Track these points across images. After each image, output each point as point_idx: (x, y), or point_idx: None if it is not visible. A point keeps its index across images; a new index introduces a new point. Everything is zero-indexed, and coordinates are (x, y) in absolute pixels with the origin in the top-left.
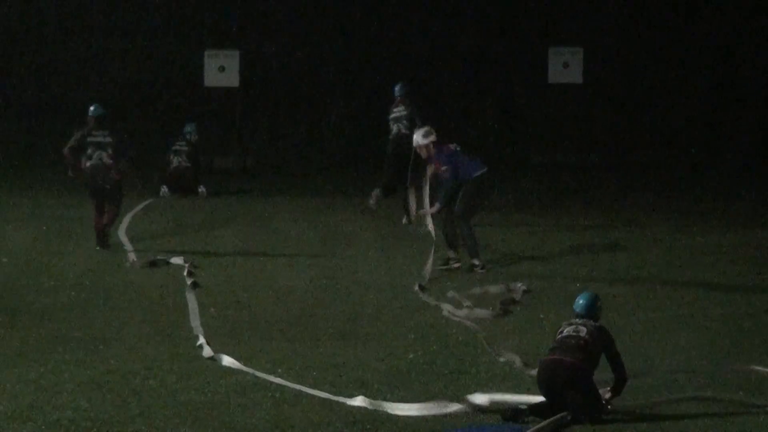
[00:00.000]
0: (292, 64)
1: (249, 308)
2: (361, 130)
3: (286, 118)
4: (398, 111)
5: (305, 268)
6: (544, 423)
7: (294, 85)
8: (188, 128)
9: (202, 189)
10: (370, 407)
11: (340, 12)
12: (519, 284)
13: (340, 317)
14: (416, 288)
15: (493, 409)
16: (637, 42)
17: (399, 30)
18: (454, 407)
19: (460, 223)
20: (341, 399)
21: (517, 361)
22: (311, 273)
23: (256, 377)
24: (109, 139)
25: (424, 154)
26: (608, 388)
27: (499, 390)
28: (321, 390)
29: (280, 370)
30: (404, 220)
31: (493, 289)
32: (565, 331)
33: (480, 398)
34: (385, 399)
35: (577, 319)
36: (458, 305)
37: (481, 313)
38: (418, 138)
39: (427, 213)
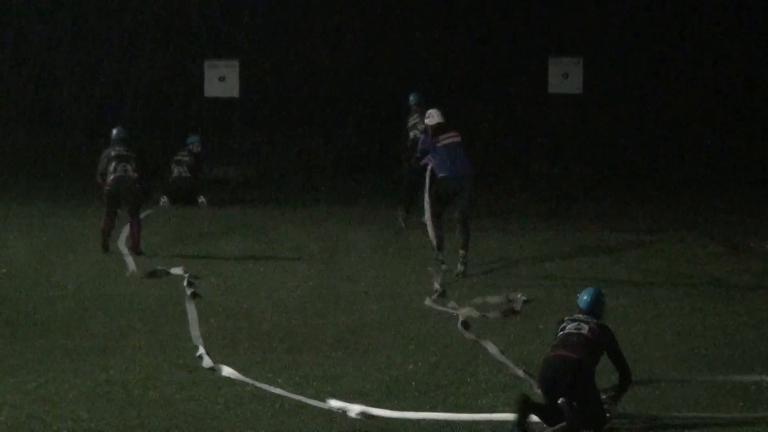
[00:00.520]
0: (292, 74)
1: (249, 318)
2: (362, 140)
3: (286, 128)
4: (414, 119)
5: (305, 278)
6: None
7: (294, 95)
8: (192, 139)
9: (202, 199)
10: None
11: (341, 22)
12: (519, 294)
13: (340, 327)
14: (434, 297)
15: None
16: (638, 52)
17: (398, 40)
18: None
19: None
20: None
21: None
22: (311, 283)
23: (256, 388)
24: (132, 154)
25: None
26: (611, 389)
27: (500, 402)
28: (320, 400)
29: (279, 381)
30: (400, 219)
31: (493, 299)
32: (567, 328)
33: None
34: (385, 409)
35: (580, 315)
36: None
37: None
38: (428, 119)
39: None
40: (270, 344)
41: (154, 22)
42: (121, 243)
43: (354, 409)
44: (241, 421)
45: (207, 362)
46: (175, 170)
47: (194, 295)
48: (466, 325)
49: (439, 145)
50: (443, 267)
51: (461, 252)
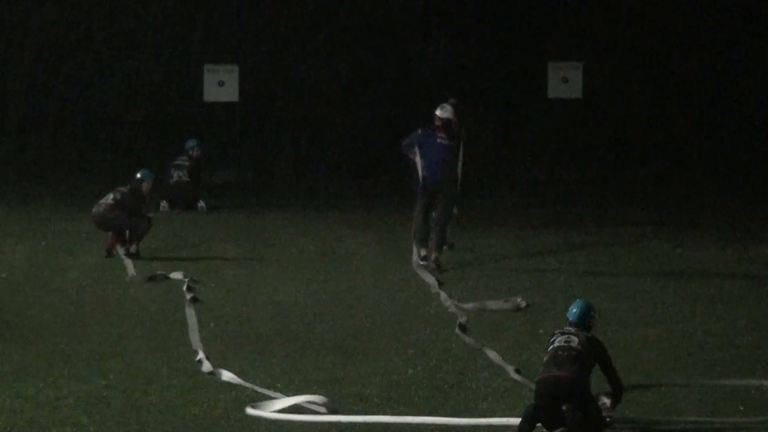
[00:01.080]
0: (292, 79)
1: (248, 323)
2: (361, 145)
3: (286, 132)
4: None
5: (305, 283)
6: None
7: (293, 99)
8: (191, 143)
9: (201, 204)
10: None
11: (341, 27)
12: (518, 299)
13: (340, 332)
14: (457, 330)
15: None
16: (637, 57)
17: (399, 45)
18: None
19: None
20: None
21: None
22: (311, 288)
23: (255, 392)
24: (124, 189)
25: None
26: (607, 400)
27: (500, 406)
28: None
29: (279, 385)
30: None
31: (492, 304)
32: (557, 342)
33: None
34: (384, 414)
35: (570, 328)
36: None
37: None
38: (439, 110)
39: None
40: (269, 349)
41: (153, 26)
42: (121, 248)
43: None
44: (241, 426)
45: (206, 367)
46: (175, 175)
47: (194, 300)
48: (463, 328)
49: (432, 141)
50: (422, 263)
51: (434, 255)
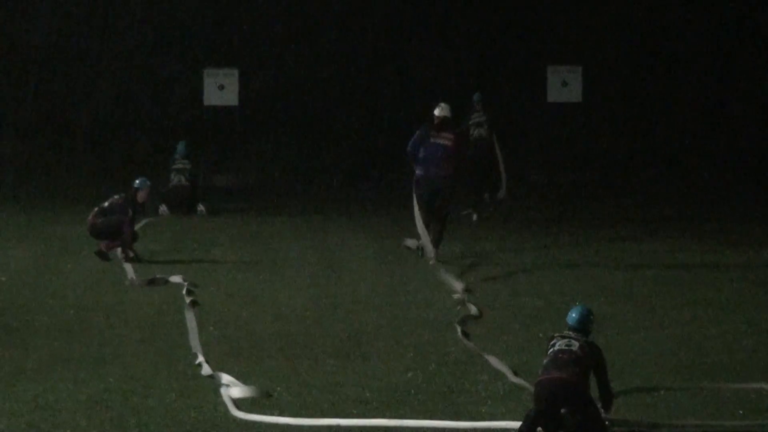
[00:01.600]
0: (292, 83)
1: (248, 326)
2: (361, 149)
3: (286, 136)
4: (477, 116)
5: (304, 287)
6: None
7: (293, 103)
8: (181, 147)
9: (201, 208)
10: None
11: (341, 31)
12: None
13: (340, 336)
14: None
15: None
16: (637, 60)
17: (398, 49)
18: None
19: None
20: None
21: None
22: (310, 291)
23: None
24: (115, 198)
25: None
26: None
27: (500, 410)
28: (320, 408)
29: (279, 389)
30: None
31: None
32: (557, 345)
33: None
34: (384, 417)
35: (569, 333)
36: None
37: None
38: (437, 110)
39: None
40: (269, 352)
41: (153, 30)
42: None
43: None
44: (241, 429)
45: (206, 370)
46: (175, 179)
47: (193, 303)
48: (466, 335)
49: (428, 140)
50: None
51: (432, 252)
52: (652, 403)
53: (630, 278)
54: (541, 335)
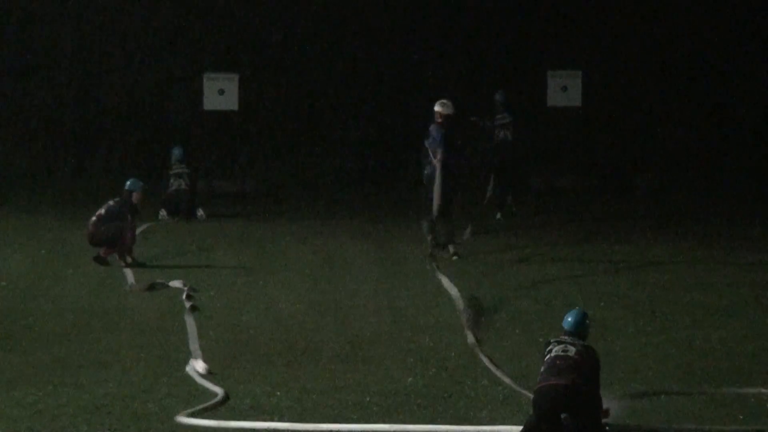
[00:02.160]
0: (292, 88)
1: (248, 331)
2: (361, 153)
3: (286, 141)
4: (502, 118)
5: (304, 292)
6: None
7: (293, 108)
8: (177, 151)
9: (200, 212)
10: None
11: (340, 36)
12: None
13: (340, 341)
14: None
15: None
16: (636, 65)
17: (398, 54)
18: None
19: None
20: None
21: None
22: (310, 296)
23: (257, 402)
24: (111, 203)
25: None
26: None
27: (500, 415)
28: (320, 413)
29: (279, 393)
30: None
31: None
32: (553, 351)
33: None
34: (384, 422)
35: (566, 337)
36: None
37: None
38: (436, 105)
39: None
40: (269, 357)
41: (153, 34)
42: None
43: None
44: None
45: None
46: (174, 183)
47: (193, 308)
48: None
49: (448, 137)
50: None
51: (450, 249)
52: (652, 408)
53: (630, 283)
54: (540, 340)
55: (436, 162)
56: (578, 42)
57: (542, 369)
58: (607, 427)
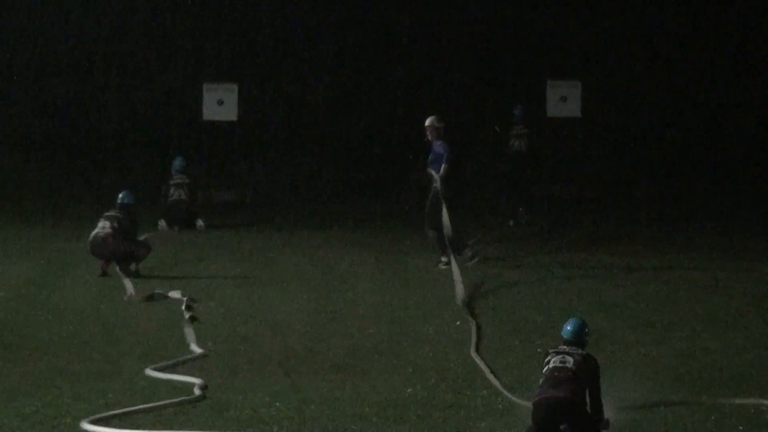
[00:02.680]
0: (291, 98)
1: (247, 342)
2: (360, 164)
3: (285, 151)
4: (519, 129)
5: (304, 302)
6: None
7: (292, 118)
8: (178, 161)
9: (200, 223)
10: None
11: (339, 46)
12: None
13: (339, 351)
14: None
15: None
16: (636, 76)
17: (397, 63)
18: None
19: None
20: None
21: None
22: (310, 307)
23: (255, 411)
24: (119, 216)
25: (434, 136)
26: None
27: (499, 425)
28: (319, 423)
29: (278, 404)
30: (521, 219)
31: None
32: (552, 362)
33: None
34: None
35: (564, 347)
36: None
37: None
38: (434, 120)
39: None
40: (268, 367)
41: (152, 45)
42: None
43: None
44: None
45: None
46: (174, 194)
47: (192, 319)
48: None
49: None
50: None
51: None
52: (651, 419)
53: (629, 293)
54: (540, 350)
55: (437, 177)
56: (578, 52)
57: (541, 381)
58: None
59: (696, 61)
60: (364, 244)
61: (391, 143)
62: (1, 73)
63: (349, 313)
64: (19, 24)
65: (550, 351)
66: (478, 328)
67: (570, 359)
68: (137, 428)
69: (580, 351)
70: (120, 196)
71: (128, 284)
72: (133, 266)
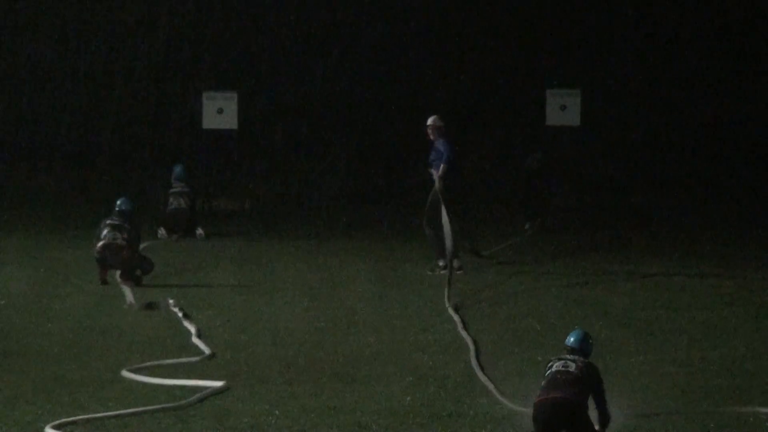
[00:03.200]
0: (291, 106)
1: (247, 350)
2: (360, 172)
3: (285, 159)
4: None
5: (304, 310)
6: None
7: (293, 127)
8: (178, 170)
9: (200, 231)
10: None
11: (339, 54)
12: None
13: (339, 359)
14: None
15: None
16: (635, 84)
17: (397, 72)
18: None
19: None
20: None
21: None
22: (309, 315)
23: (256, 420)
24: (127, 226)
25: (435, 135)
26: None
27: None
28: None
29: (277, 412)
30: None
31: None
32: (554, 367)
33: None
34: None
35: (567, 354)
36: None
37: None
38: (436, 120)
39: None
40: (268, 376)
41: (152, 53)
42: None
43: None
44: None
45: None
46: (174, 202)
47: (192, 325)
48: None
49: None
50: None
51: (440, 263)
52: (651, 428)
53: (629, 302)
54: (540, 359)
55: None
56: (577, 61)
57: (542, 384)
58: None
59: (696, 69)
60: (364, 252)
61: (392, 152)
62: (1, 81)
63: (348, 321)
64: (16, 30)
65: (553, 358)
66: (464, 324)
67: (572, 364)
68: None
69: (582, 359)
70: (118, 202)
71: (128, 292)
72: (138, 272)
